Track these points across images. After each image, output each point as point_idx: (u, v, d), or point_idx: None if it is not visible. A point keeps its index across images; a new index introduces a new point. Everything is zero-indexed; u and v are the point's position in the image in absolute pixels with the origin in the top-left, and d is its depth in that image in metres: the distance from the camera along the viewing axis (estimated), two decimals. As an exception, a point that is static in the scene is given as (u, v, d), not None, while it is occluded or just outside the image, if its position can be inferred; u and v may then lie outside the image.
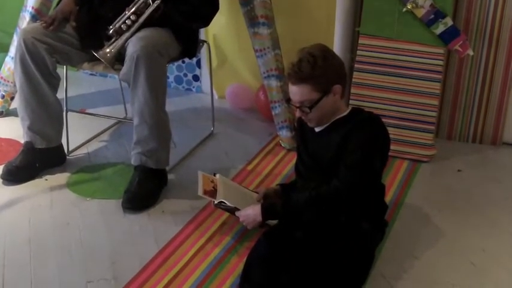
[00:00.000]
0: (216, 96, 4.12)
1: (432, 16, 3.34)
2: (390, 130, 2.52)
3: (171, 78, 4.39)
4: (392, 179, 3.22)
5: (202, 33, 3.95)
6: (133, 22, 2.98)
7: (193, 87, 4.41)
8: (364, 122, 2.45)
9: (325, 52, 2.46)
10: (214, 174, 2.85)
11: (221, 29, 3.97)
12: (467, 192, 3.15)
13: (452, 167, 3.40)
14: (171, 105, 3.13)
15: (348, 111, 2.51)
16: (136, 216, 2.88)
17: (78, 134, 3.56)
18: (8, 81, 3.75)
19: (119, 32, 2.99)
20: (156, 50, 2.89)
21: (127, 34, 2.97)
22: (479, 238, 2.76)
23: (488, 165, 3.45)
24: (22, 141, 3.25)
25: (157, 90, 2.92)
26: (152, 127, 2.96)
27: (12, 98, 3.85)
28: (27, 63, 3.02)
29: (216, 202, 2.66)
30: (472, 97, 3.64)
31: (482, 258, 2.62)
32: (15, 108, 3.33)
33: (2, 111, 3.88)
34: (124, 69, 2.92)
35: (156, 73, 2.90)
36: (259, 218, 2.49)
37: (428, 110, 3.43)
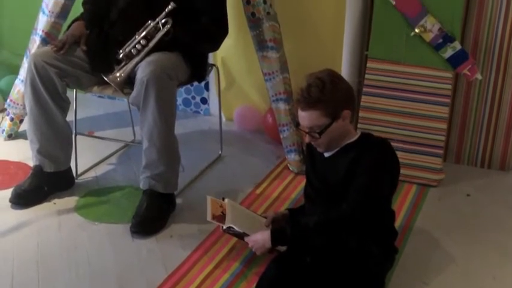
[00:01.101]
0: (223, 119, 4.12)
1: (440, 40, 3.34)
2: (398, 154, 2.52)
3: (179, 101, 4.40)
4: (401, 204, 3.21)
5: (211, 57, 3.95)
6: (143, 46, 3.00)
7: (201, 109, 4.42)
8: (374, 147, 2.45)
9: (334, 77, 2.46)
10: (223, 199, 2.84)
11: (229, 52, 3.98)
12: (476, 217, 3.14)
13: (461, 192, 3.39)
14: (179, 127, 3.14)
15: (357, 136, 2.51)
16: (145, 240, 2.87)
17: (86, 156, 3.57)
18: (18, 104, 3.77)
19: (129, 56, 3.00)
20: (165, 74, 2.90)
21: (137, 58, 2.98)
22: (490, 265, 2.74)
23: (497, 190, 3.43)
24: (31, 164, 3.27)
25: (166, 114, 2.93)
26: (161, 151, 2.97)
27: (21, 121, 3.86)
28: (37, 87, 3.04)
29: (224, 227, 2.65)
30: (480, 121, 3.63)
31: (493, 286, 2.60)
32: (25, 131, 3.34)
33: (11, 134, 3.89)
34: (134, 93, 2.93)
35: (166, 97, 2.91)
36: (268, 244, 2.48)
37: (437, 134, 3.42)
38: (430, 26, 3.34)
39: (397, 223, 2.92)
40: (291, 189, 3.37)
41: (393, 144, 2.55)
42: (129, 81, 3.01)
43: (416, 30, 3.36)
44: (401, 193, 3.31)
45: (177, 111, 3.08)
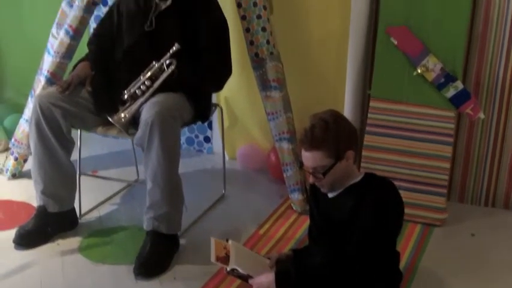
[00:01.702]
0: (227, 157, 4.13)
1: (442, 80, 3.37)
2: (402, 193, 2.52)
3: (182, 140, 4.42)
4: (406, 244, 3.20)
5: (214, 96, 3.99)
6: (148, 87, 3.02)
7: (205, 148, 4.43)
8: (378, 188, 2.46)
9: (337, 118, 2.48)
10: (227, 240, 2.83)
11: (233, 91, 4.01)
12: (481, 258, 3.12)
13: (466, 231, 3.37)
14: (183, 166, 3.14)
15: (361, 176, 2.51)
16: (148, 282, 2.85)
17: (90, 196, 3.57)
18: (22, 143, 3.78)
19: (134, 97, 3.03)
20: (170, 115, 2.91)
21: (141, 99, 3.01)
22: (496, 306, 2.73)
23: (501, 230, 3.42)
24: (34, 203, 3.26)
25: (170, 155, 2.94)
26: (165, 191, 2.97)
27: (25, 160, 3.87)
28: (42, 128, 3.05)
29: (228, 269, 2.63)
30: (483, 160, 3.64)
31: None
32: (29, 170, 3.34)
33: (15, 173, 3.90)
34: (138, 134, 2.94)
35: (170, 138, 2.92)
36: (273, 286, 2.45)
37: (440, 173, 3.43)
38: (432, 66, 3.37)
39: (402, 264, 2.90)
40: (294, 229, 3.36)
41: (396, 183, 2.55)
42: (133, 122, 3.03)
43: (419, 70, 3.38)
44: (405, 233, 3.30)
45: (180, 150, 3.09)
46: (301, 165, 2.53)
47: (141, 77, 3.04)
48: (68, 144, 3.14)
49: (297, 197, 3.55)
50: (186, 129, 4.38)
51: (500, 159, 3.60)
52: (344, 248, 2.38)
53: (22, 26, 4.70)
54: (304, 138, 2.43)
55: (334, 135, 2.40)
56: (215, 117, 4.15)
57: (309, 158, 2.43)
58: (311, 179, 2.49)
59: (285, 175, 3.56)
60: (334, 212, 2.51)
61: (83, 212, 3.43)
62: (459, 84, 3.36)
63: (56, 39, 3.59)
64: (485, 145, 3.61)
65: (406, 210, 2.56)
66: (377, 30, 3.51)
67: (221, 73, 3.23)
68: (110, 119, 3.01)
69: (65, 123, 3.07)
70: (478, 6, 3.41)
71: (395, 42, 3.40)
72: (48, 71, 3.59)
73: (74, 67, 3.27)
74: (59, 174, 3.15)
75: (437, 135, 3.41)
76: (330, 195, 2.53)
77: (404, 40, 3.40)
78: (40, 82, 3.63)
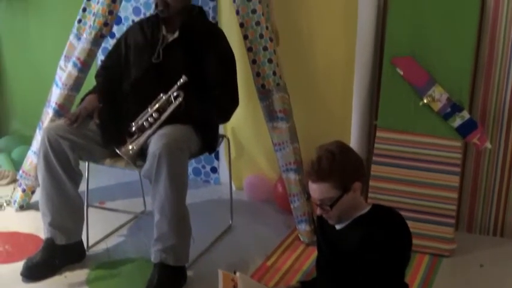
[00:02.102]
0: (233, 188, 4.13)
1: (449, 110, 3.38)
2: (410, 224, 2.50)
3: (189, 170, 4.39)
4: (414, 275, 3.18)
5: (221, 127, 4.01)
6: (156, 119, 3.04)
7: (212, 178, 4.44)
8: (386, 221, 2.45)
9: (344, 149, 2.48)
10: (234, 272, 2.82)
11: (240, 122, 4.02)
12: (490, 289, 3.11)
13: (474, 262, 3.35)
14: (190, 197, 3.14)
15: (368, 208, 2.50)
16: (156, 315, 2.85)
17: (97, 228, 3.56)
18: (30, 175, 3.79)
19: (141, 129, 3.04)
20: (178, 147, 2.93)
21: (149, 131, 3.02)
22: None
23: (510, 260, 3.39)
24: (42, 235, 3.26)
25: (178, 187, 2.95)
26: (173, 223, 2.97)
27: (33, 192, 3.88)
28: (50, 160, 3.07)
29: (237, 301, 2.62)
30: (491, 189, 3.63)
31: None
32: (36, 202, 3.35)
33: (23, 205, 3.90)
34: (146, 166, 2.95)
35: (178, 170, 2.93)
36: (281, 319, 2.46)
37: (448, 203, 3.42)
38: (438, 96, 3.38)
39: (411, 296, 2.90)
40: (302, 261, 3.35)
41: (404, 213, 2.54)
42: (141, 154, 3.04)
43: (425, 100, 3.39)
44: (413, 264, 3.28)
45: (188, 182, 3.09)
46: (308, 196, 2.53)
47: (149, 109, 3.06)
48: (75, 177, 3.15)
49: (304, 228, 3.54)
50: (193, 159, 4.38)
51: (508, 188, 3.59)
52: (352, 280, 2.37)
53: (30, 58, 4.74)
54: (311, 170, 2.43)
55: (341, 167, 2.39)
56: (222, 148, 4.16)
57: (316, 189, 2.43)
58: (318, 211, 2.48)
59: (292, 206, 3.56)
60: (342, 244, 2.50)
61: (90, 244, 3.42)
62: (465, 114, 3.37)
63: (64, 72, 3.62)
64: (493, 174, 3.60)
65: (414, 241, 2.55)
66: (382, 60, 3.53)
67: (228, 105, 3.25)
68: (118, 151, 3.02)
69: (73, 156, 3.08)
70: (483, 35, 3.43)
71: (401, 73, 3.42)
72: (56, 103, 3.61)
73: (82, 99, 3.29)
74: (66, 206, 3.16)
75: (444, 165, 3.41)
76: (338, 227, 2.52)
77: (410, 70, 3.42)
78: (48, 114, 3.65)
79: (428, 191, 3.43)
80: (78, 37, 3.60)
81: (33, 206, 3.85)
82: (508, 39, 3.40)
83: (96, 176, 4.03)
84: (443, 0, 3.40)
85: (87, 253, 3.35)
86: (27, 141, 4.13)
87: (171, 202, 2.93)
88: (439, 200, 3.42)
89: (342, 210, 2.44)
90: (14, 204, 3.92)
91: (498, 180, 3.60)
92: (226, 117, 3.33)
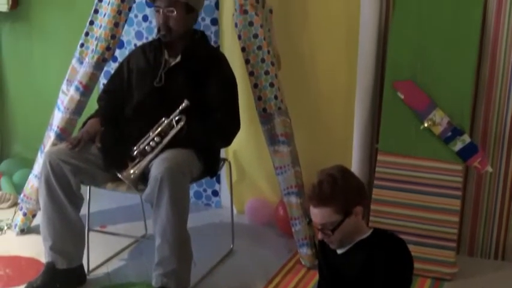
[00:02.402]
0: (235, 211, 4.12)
1: (450, 133, 3.38)
2: (411, 247, 2.50)
3: (190, 194, 4.38)
4: (416, 300, 3.18)
5: (223, 150, 4.00)
6: (157, 143, 3.05)
7: (213, 202, 4.43)
8: (387, 245, 2.45)
9: (345, 173, 2.48)
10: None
11: (241, 145, 4.03)
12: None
13: (476, 286, 3.35)
14: (191, 220, 3.14)
15: (369, 232, 2.50)
16: None
17: (98, 252, 3.55)
18: (31, 199, 3.78)
19: (143, 153, 3.05)
20: (179, 171, 2.94)
21: (151, 155, 3.03)
22: None
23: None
24: (43, 259, 3.26)
25: (180, 211, 2.95)
26: (174, 247, 2.97)
27: (34, 216, 3.87)
28: (52, 184, 3.07)
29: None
30: (492, 213, 3.63)
31: None
32: (37, 225, 3.35)
33: (24, 229, 3.89)
34: (147, 190, 2.96)
35: (179, 195, 2.94)
36: None
37: (449, 227, 3.41)
38: (439, 120, 3.39)
39: (413, 320, 2.88)
40: (303, 285, 3.34)
41: (405, 237, 2.54)
42: (142, 178, 3.05)
43: (425, 124, 3.40)
44: (415, 288, 3.29)
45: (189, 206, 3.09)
46: (309, 220, 2.53)
47: (151, 133, 3.07)
48: (77, 201, 3.15)
49: (305, 251, 3.53)
50: (194, 183, 4.39)
51: (509, 211, 3.59)
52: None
53: (33, 82, 4.76)
54: (312, 194, 2.43)
55: (342, 191, 2.40)
56: (223, 171, 4.16)
57: (318, 214, 2.43)
58: (320, 236, 2.48)
59: (293, 229, 3.55)
60: (344, 268, 2.50)
61: (91, 268, 3.41)
62: (466, 138, 3.37)
63: (66, 96, 3.63)
64: (494, 198, 3.60)
65: (416, 265, 2.55)
66: (383, 84, 3.55)
67: (230, 130, 3.26)
68: (119, 175, 3.02)
69: (74, 180, 3.09)
70: (484, 59, 3.46)
71: (402, 97, 3.44)
72: (58, 127, 3.62)
73: (84, 123, 3.31)
74: (67, 230, 3.15)
75: (445, 188, 3.41)
76: (339, 251, 2.52)
77: (411, 94, 3.43)
78: (50, 138, 3.65)
79: (429, 215, 3.43)
80: (81, 61, 3.62)
81: (34, 230, 3.83)
82: (509, 63, 3.42)
83: (98, 199, 4.02)
84: (443, 24, 3.42)
85: (88, 277, 3.34)
86: (28, 165, 4.13)
87: (172, 226, 2.93)
88: (441, 223, 3.41)
89: (344, 235, 2.44)
90: (15, 227, 3.91)
91: (499, 203, 3.60)
92: (228, 141, 3.34)
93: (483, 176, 3.57)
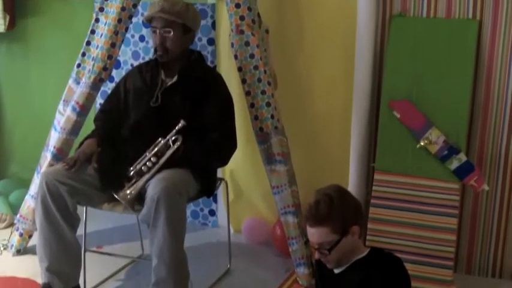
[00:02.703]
0: (232, 230, 4.12)
1: (446, 152, 3.39)
2: (408, 266, 2.50)
3: (187, 213, 4.39)
4: (414, 319, 3.16)
5: (220, 169, 4.00)
6: (154, 163, 3.05)
7: (210, 221, 4.42)
8: (384, 264, 2.45)
9: (342, 193, 2.49)
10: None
11: (238, 165, 4.03)
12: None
13: (474, 304, 3.35)
14: (187, 240, 3.13)
15: (366, 251, 2.50)
16: None
17: (95, 272, 3.53)
18: (27, 219, 3.78)
19: (139, 174, 3.05)
20: (176, 191, 2.93)
21: (147, 175, 3.03)
22: None
23: (510, 302, 3.40)
24: (39, 280, 3.24)
25: (176, 232, 2.95)
26: (171, 268, 2.96)
27: (30, 236, 3.86)
28: (48, 205, 3.06)
29: None
30: (489, 231, 3.63)
31: None
32: (34, 246, 3.34)
33: (20, 249, 3.88)
34: (144, 210, 2.96)
35: (176, 215, 2.94)
36: None
37: (446, 246, 3.41)
38: (435, 138, 3.40)
39: None
40: (301, 304, 3.34)
41: (402, 256, 2.54)
42: (139, 198, 3.04)
43: (422, 143, 3.41)
44: (413, 307, 3.27)
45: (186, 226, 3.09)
46: (306, 240, 2.53)
47: (147, 154, 3.07)
48: (73, 221, 3.15)
49: (302, 271, 3.52)
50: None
51: (506, 229, 3.60)
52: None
53: (30, 102, 4.77)
54: (309, 214, 2.44)
55: (339, 211, 2.40)
56: (220, 190, 4.15)
57: (315, 234, 2.44)
58: (317, 255, 2.48)
59: (290, 249, 3.55)
60: (341, 288, 2.50)
61: (87, 288, 3.41)
62: (462, 156, 3.38)
63: (63, 116, 3.63)
64: (491, 216, 3.61)
65: (413, 284, 2.55)
66: (380, 104, 3.56)
67: (226, 149, 3.27)
68: (116, 196, 3.02)
69: (71, 201, 3.08)
70: (479, 77, 3.48)
71: (398, 116, 3.45)
72: (54, 147, 3.62)
73: (81, 144, 3.30)
74: (64, 251, 3.14)
75: (442, 207, 3.41)
76: (336, 270, 2.52)
77: (407, 113, 3.44)
78: (46, 158, 3.65)
79: (426, 233, 3.43)
80: (77, 81, 3.63)
81: (31, 251, 3.82)
82: (504, 82, 3.44)
83: (94, 219, 4.01)
84: (439, 47, 3.45)
85: (84, 298, 3.34)
86: (25, 185, 4.12)
87: (169, 247, 2.93)
88: (438, 242, 3.41)
89: (341, 254, 2.44)
90: (11, 248, 3.90)
91: (496, 221, 3.60)
92: (224, 161, 3.34)
93: (480, 194, 3.58)
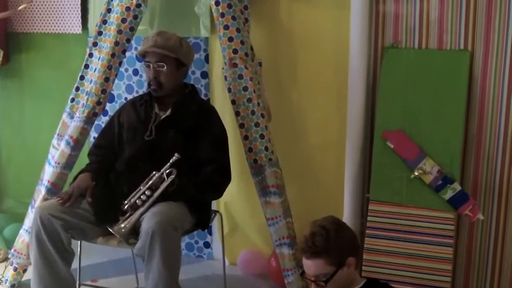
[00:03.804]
0: (227, 263, 4.11)
1: (440, 182, 3.40)
2: (405, 297, 2.51)
3: (182, 246, 4.38)
4: None
5: (214, 201, 4.00)
6: (148, 197, 3.05)
7: (205, 253, 4.41)
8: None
9: (338, 225, 2.50)
10: None
11: (233, 197, 4.03)
12: None
13: (471, 335, 3.33)
14: (182, 273, 3.12)
15: (363, 282, 2.51)
16: None
17: (90, 307, 3.54)
18: (22, 254, 3.76)
19: (134, 207, 3.05)
20: (171, 225, 2.93)
21: (142, 209, 3.03)
22: None
23: (506, 332, 3.38)
24: (33, 316, 3.22)
25: (171, 265, 2.94)
26: (166, 302, 2.94)
27: (24, 271, 3.83)
28: (42, 240, 3.05)
29: None
30: (484, 260, 3.63)
31: None
32: (28, 280, 3.31)
33: (14, 284, 3.85)
34: (139, 244, 2.95)
35: (171, 248, 2.93)
36: None
37: (442, 275, 3.40)
38: (429, 168, 3.40)
39: None
40: (297, 337, 3.31)
41: (399, 286, 2.54)
42: (134, 232, 3.03)
43: (416, 173, 3.42)
44: (410, 338, 3.25)
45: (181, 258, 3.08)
46: (302, 271, 2.52)
47: (141, 187, 3.07)
48: (68, 256, 3.13)
49: (299, 303, 3.51)
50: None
51: (502, 258, 3.60)
52: None
53: (24, 136, 4.77)
54: (304, 246, 2.44)
55: (335, 243, 2.41)
56: (215, 223, 4.15)
57: (310, 266, 2.44)
58: (313, 287, 2.48)
59: (286, 281, 3.53)
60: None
61: (83, 323, 3.39)
62: (457, 186, 3.39)
63: (57, 150, 3.64)
64: (486, 245, 3.61)
65: (410, 314, 2.55)
66: (373, 135, 3.57)
67: (220, 181, 3.27)
68: (110, 230, 3.01)
69: (65, 235, 3.07)
70: (472, 107, 3.50)
71: (392, 146, 3.46)
72: (48, 181, 3.61)
73: (75, 178, 3.30)
74: (58, 286, 3.12)
75: (437, 237, 3.41)
76: (332, 302, 2.51)
77: (401, 144, 3.46)
78: (41, 192, 3.65)
79: (422, 263, 3.42)
80: (71, 116, 3.64)
81: (25, 285, 3.79)
82: (496, 111, 3.46)
83: (89, 253, 4.00)
84: (431, 76, 3.48)
85: (78, 334, 3.31)
86: (19, 219, 4.10)
87: (164, 281, 2.91)
88: (434, 272, 3.40)
89: (337, 286, 2.44)
90: (5, 283, 3.87)
91: (492, 250, 3.60)
92: (218, 194, 3.34)
93: (475, 224, 3.58)
